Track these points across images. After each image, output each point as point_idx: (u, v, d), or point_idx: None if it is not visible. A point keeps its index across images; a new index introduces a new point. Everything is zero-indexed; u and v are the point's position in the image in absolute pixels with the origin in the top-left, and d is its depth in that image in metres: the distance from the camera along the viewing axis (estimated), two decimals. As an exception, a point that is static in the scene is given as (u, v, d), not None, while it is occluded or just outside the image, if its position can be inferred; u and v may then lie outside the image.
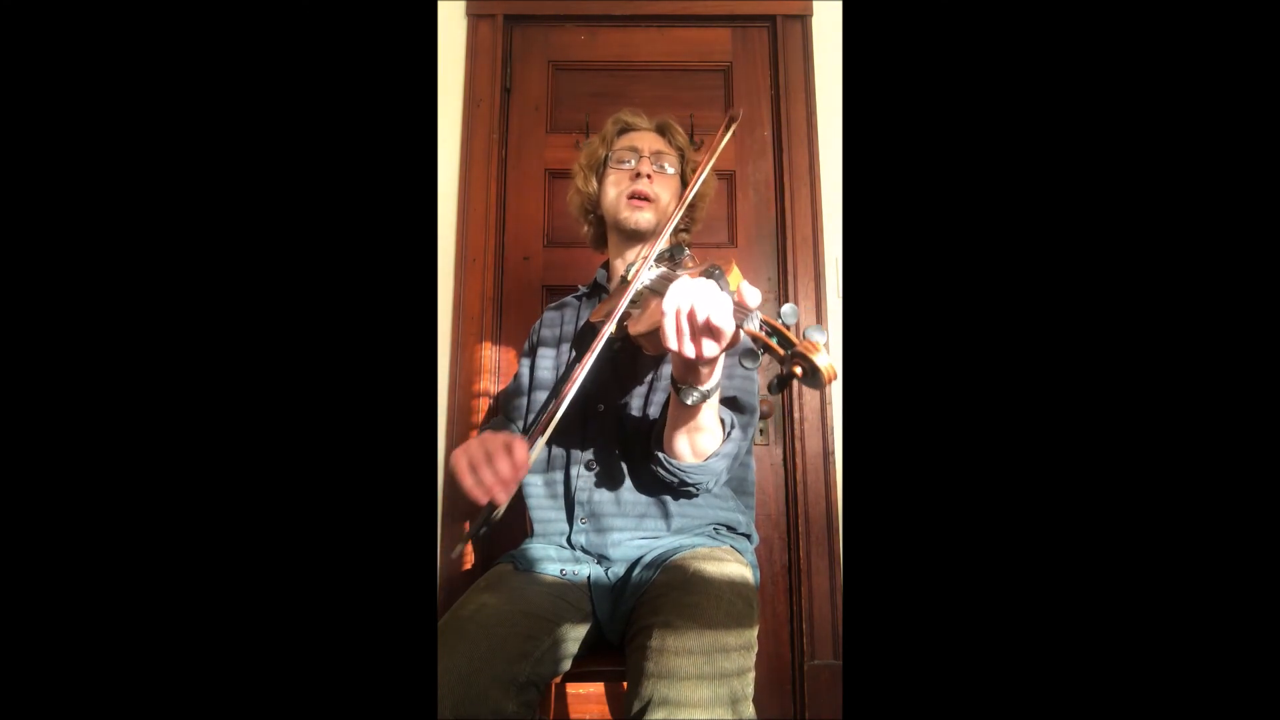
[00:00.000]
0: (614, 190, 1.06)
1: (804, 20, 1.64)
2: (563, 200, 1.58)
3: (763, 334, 0.66)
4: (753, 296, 0.69)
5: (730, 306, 0.66)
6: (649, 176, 1.04)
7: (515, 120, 1.63)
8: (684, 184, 1.09)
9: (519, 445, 0.77)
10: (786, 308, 0.65)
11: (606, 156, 1.10)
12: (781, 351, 0.65)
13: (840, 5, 1.62)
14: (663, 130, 1.11)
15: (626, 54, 1.66)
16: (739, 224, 1.59)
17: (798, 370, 0.63)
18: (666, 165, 1.07)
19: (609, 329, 0.84)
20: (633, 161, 1.06)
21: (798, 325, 0.64)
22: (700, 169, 0.94)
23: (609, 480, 0.96)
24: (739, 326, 0.67)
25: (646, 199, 1.03)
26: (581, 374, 0.81)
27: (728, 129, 0.93)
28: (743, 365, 0.65)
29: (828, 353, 0.61)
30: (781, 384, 0.65)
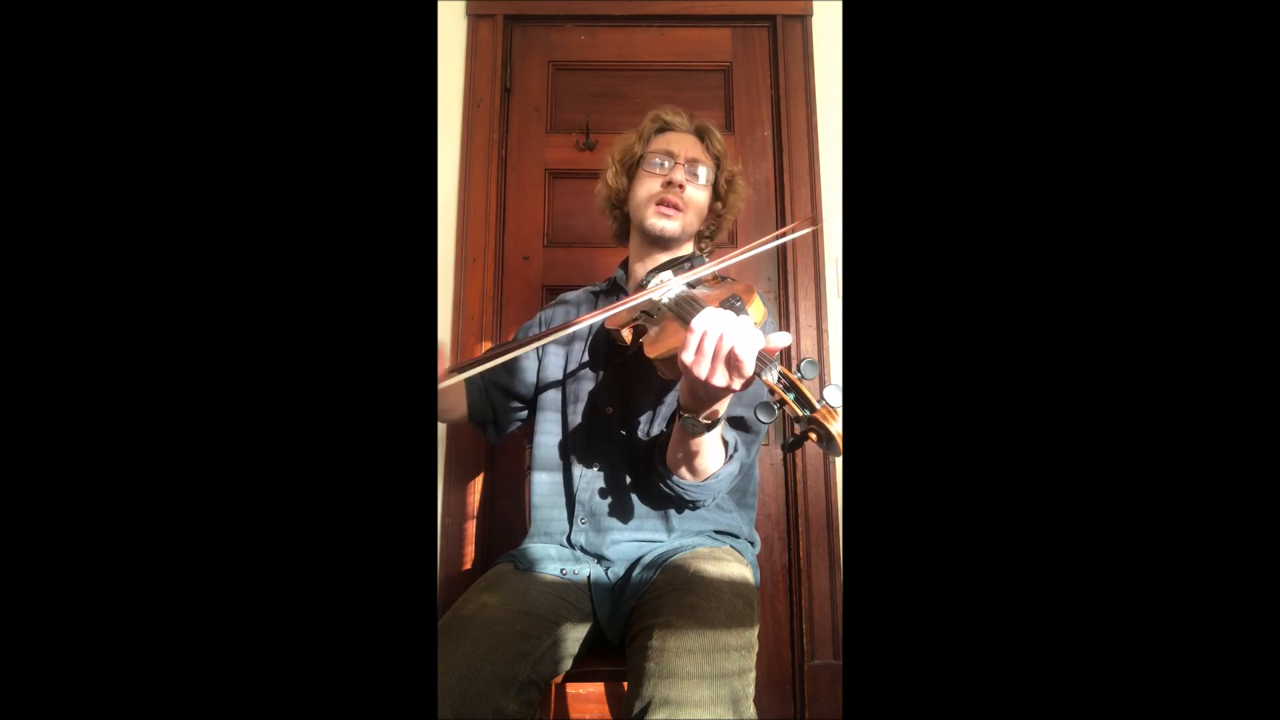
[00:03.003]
0: (644, 193, 1.03)
1: (804, 20, 1.64)
2: (563, 200, 1.59)
3: (780, 388, 0.65)
4: (779, 339, 0.68)
5: (758, 347, 0.66)
6: (681, 185, 1.01)
7: (515, 120, 1.63)
8: (716, 195, 1.08)
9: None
10: (806, 363, 0.64)
11: (641, 156, 1.07)
12: (799, 411, 0.64)
13: (840, 5, 1.62)
14: (702, 134, 1.08)
15: (626, 54, 1.66)
16: (739, 224, 1.59)
17: (813, 436, 0.62)
18: (700, 173, 1.04)
19: (599, 319, 0.84)
20: (667, 165, 1.03)
21: (816, 383, 0.64)
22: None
23: (611, 482, 0.96)
24: (757, 374, 0.67)
25: (675, 208, 1.01)
26: (556, 334, 0.83)
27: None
28: (759, 419, 0.65)
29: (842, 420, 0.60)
30: (795, 445, 0.65)
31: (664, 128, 1.08)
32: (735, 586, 0.83)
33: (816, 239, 1.55)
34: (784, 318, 1.52)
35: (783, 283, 1.55)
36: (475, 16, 1.64)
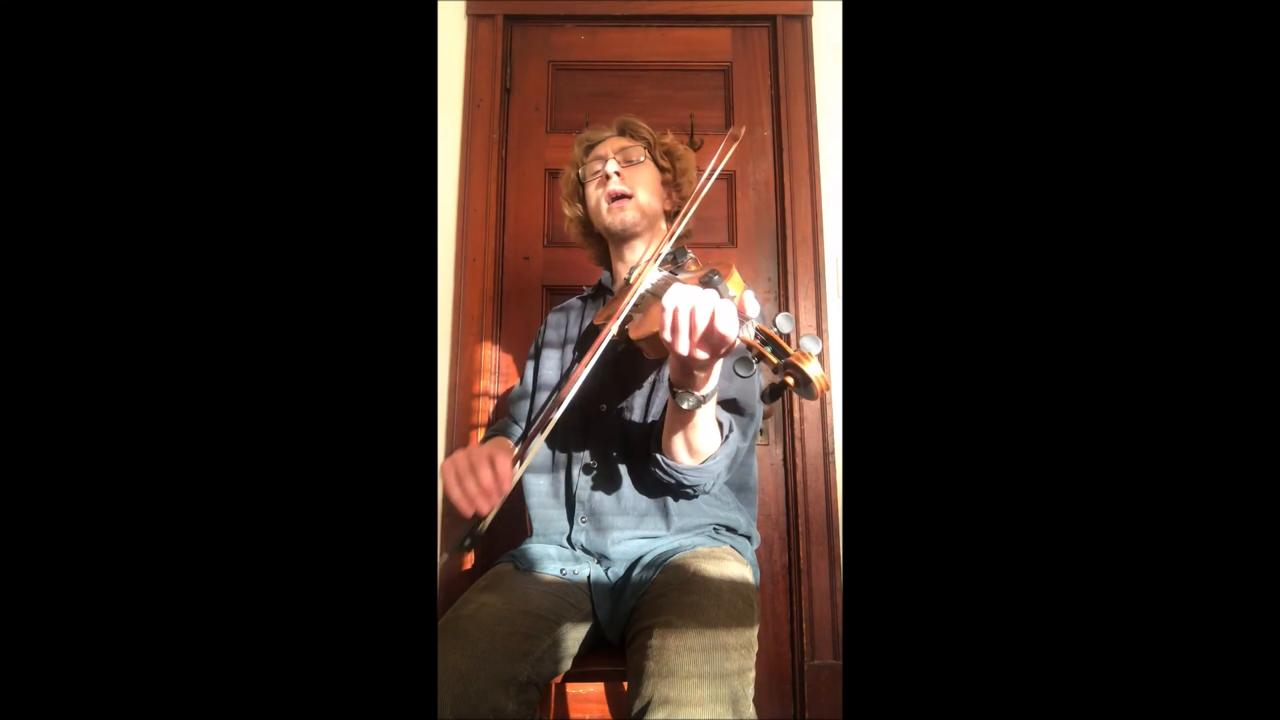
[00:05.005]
0: (594, 200, 1.09)
1: (804, 20, 1.64)
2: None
3: (756, 341, 0.67)
4: (752, 306, 0.69)
5: (733, 313, 0.67)
6: (618, 173, 1.06)
7: (515, 120, 1.63)
8: (659, 167, 1.12)
9: (502, 458, 0.79)
10: (781, 316, 0.66)
11: (579, 176, 1.13)
12: (775, 360, 0.65)
13: (840, 5, 1.62)
14: (624, 129, 1.13)
15: (626, 54, 1.66)
16: (739, 224, 1.59)
17: (790, 380, 0.64)
18: (633, 156, 1.09)
19: (611, 330, 0.84)
20: (600, 167, 1.09)
21: (793, 335, 0.65)
22: (696, 195, 0.91)
23: (610, 480, 0.96)
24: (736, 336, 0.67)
25: (625, 196, 1.05)
26: (581, 375, 0.82)
27: (728, 148, 0.93)
28: (737, 373, 0.66)
29: (821, 364, 0.62)
30: (774, 394, 0.66)
31: (590, 145, 1.14)
32: (735, 586, 0.83)
33: (816, 239, 1.55)
34: (784, 318, 1.52)
35: (783, 283, 1.55)
36: (475, 16, 1.64)
